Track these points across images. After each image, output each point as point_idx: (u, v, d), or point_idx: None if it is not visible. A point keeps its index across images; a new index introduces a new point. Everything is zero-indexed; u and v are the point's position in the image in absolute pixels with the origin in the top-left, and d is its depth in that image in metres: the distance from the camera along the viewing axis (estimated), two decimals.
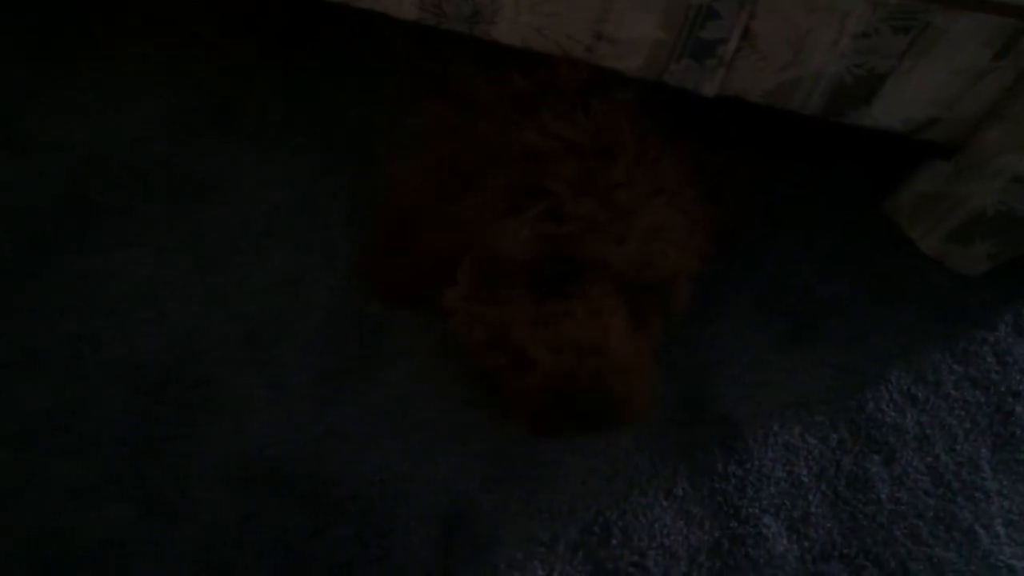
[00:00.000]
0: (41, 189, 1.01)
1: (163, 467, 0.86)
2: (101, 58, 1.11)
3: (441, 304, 0.86)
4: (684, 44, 0.90)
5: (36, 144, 1.04)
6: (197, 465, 0.86)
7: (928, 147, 0.98)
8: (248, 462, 0.87)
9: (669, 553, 0.87)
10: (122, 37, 1.12)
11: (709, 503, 0.90)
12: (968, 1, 0.81)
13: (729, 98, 0.95)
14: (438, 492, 0.88)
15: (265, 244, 1.00)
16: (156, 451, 0.87)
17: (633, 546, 0.87)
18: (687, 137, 0.91)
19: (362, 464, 0.88)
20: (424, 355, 0.94)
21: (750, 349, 1.00)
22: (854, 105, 0.93)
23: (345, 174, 1.05)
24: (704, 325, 1.01)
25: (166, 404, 0.89)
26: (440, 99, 0.95)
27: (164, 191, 1.02)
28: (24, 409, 0.87)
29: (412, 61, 1.00)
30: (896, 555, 0.88)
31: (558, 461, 0.90)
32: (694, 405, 0.96)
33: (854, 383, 0.98)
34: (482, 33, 0.95)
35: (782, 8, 0.84)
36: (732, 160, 0.94)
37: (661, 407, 0.94)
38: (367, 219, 1.00)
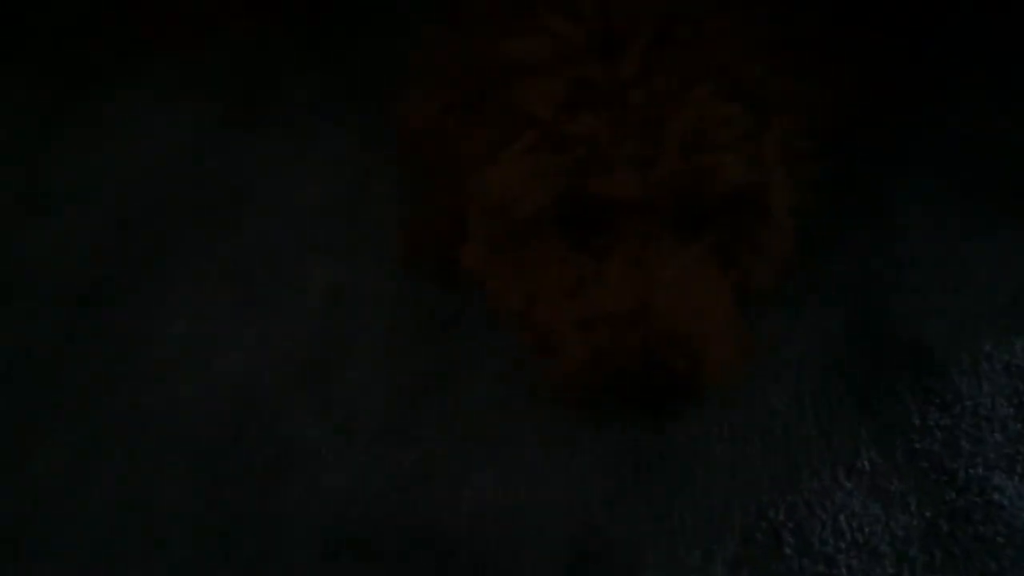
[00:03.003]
0: (71, 250, 0.91)
1: (238, 559, 0.74)
2: (112, 84, 1.01)
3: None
4: None
5: (59, 198, 0.95)
6: (275, 545, 0.74)
7: None
8: (330, 529, 0.74)
9: (867, 551, 0.66)
10: (130, 55, 1.02)
11: (910, 472, 0.68)
12: None
13: None
14: (553, 522, 0.71)
15: (307, 257, 0.86)
16: (228, 539, 0.75)
17: (815, 550, 0.66)
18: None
19: (458, 505, 0.73)
20: (507, 353, 0.77)
21: (936, 243, 0.77)
22: None
23: (384, 148, 0.88)
24: (871, 225, 0.77)
25: (232, 477, 0.78)
26: (443, 21, 0.76)
27: (197, 220, 0.91)
28: (89, 511, 0.78)
29: None
30: None
31: (694, 454, 0.71)
32: (869, 335, 0.74)
33: None
34: None
35: None
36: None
37: (824, 344, 0.72)
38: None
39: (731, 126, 0.62)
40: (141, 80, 1.00)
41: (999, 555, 0.63)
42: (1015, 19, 0.82)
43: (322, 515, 0.75)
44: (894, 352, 0.72)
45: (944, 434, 0.69)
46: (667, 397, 0.65)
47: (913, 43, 0.82)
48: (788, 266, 0.72)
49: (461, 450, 0.75)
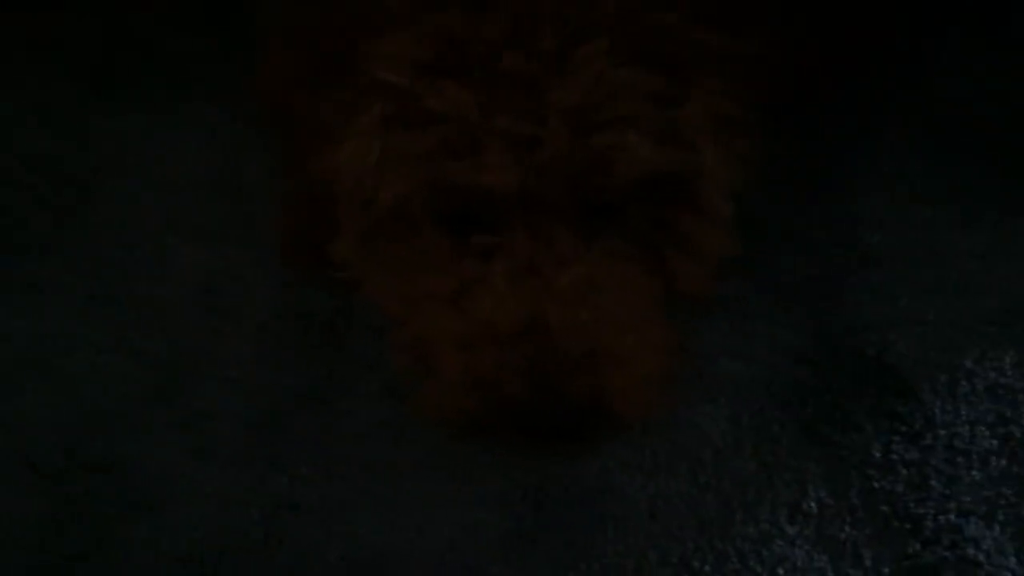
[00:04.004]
0: None
1: None
2: None
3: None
4: None
5: None
6: None
7: None
8: (180, 568, 0.63)
9: None
10: None
11: (868, 518, 0.57)
12: None
13: None
14: (439, 569, 0.60)
15: (171, 247, 0.75)
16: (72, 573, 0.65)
17: None
18: None
19: (329, 544, 0.62)
20: (394, 367, 0.66)
21: (910, 235, 0.66)
22: None
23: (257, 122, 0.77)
24: (829, 213, 0.67)
25: (76, 507, 0.66)
26: None
27: (41, 206, 0.79)
28: None
29: None
30: None
31: (608, 490, 0.60)
32: (825, 348, 0.64)
33: None
34: None
35: None
36: None
37: (770, 359, 0.62)
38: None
39: (634, 94, 0.52)
40: None
41: None
42: None
43: (172, 551, 0.64)
44: (854, 369, 0.62)
45: (910, 471, 0.58)
46: (563, 431, 0.55)
47: None
48: (727, 265, 0.62)
49: (334, 480, 0.65)
